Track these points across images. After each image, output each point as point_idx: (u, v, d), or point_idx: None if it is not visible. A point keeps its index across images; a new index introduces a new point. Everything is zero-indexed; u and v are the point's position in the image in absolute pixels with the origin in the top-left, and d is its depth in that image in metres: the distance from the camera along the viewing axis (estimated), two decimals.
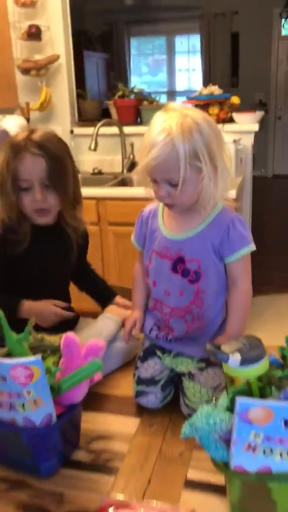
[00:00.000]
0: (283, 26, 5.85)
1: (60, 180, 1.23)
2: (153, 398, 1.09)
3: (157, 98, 3.40)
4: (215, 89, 3.06)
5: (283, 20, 6.00)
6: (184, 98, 6.72)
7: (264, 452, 0.72)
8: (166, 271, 1.09)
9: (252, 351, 0.74)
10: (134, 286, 1.23)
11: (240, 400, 0.68)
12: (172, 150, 0.94)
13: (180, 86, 7.70)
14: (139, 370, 1.14)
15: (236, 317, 1.06)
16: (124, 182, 3.08)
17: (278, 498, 0.76)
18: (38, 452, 0.89)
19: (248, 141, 3.03)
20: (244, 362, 0.73)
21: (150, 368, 1.12)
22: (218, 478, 0.89)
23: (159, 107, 3.22)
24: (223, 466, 0.76)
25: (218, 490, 0.87)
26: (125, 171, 3.19)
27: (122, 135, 3.12)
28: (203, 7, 6.84)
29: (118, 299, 1.45)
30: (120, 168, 3.21)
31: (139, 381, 1.12)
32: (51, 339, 0.96)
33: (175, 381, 1.13)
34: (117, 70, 7.45)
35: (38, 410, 0.84)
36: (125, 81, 7.33)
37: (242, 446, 0.72)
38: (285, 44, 6.94)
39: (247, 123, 3.00)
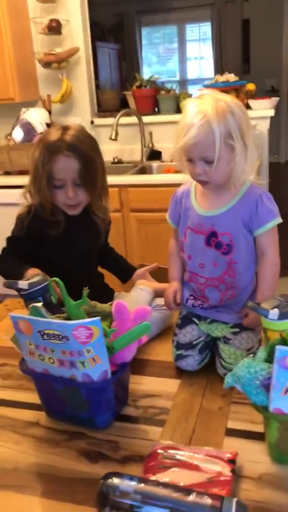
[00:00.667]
0: None
1: (90, 179, 1.37)
2: (192, 360, 1.20)
3: (173, 87, 3.48)
4: (231, 77, 3.13)
5: None
6: (197, 86, 6.75)
7: None
8: (201, 245, 1.19)
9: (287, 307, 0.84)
10: (170, 260, 1.33)
11: (280, 348, 0.79)
12: (208, 130, 1.04)
13: (191, 74, 7.74)
14: (178, 336, 1.24)
15: (266, 286, 1.16)
16: (144, 170, 3.18)
17: None
18: (94, 406, 1.00)
19: (264, 127, 3.10)
20: (281, 316, 0.83)
21: (188, 333, 1.23)
22: (256, 427, 1.00)
23: (176, 96, 3.31)
24: (263, 409, 0.86)
25: (256, 436, 0.98)
26: (144, 159, 3.29)
27: (141, 124, 3.21)
28: None
29: (138, 270, 1.59)
30: (139, 156, 3.30)
31: (178, 345, 1.22)
32: (103, 306, 1.07)
33: (211, 346, 1.23)
34: (129, 61, 7.51)
35: (96, 367, 0.95)
36: (138, 71, 7.40)
37: (281, 390, 0.83)
38: None
39: (262, 109, 3.07)
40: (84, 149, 1.34)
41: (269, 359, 0.88)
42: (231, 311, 1.20)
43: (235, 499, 0.77)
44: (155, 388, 1.17)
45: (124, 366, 1.02)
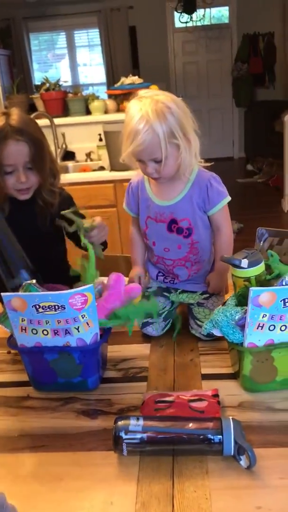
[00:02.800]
0: (179, 20, 6.26)
1: (40, 161, 1.42)
2: (157, 326, 1.33)
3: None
4: (136, 79, 3.33)
5: (177, 14, 6.39)
6: (89, 91, 6.89)
7: (269, 328, 1.00)
8: (163, 232, 1.33)
9: (254, 257, 1.02)
10: (132, 246, 1.47)
11: (253, 289, 0.96)
12: (153, 135, 1.15)
13: (83, 79, 7.88)
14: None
15: (225, 252, 1.31)
16: None
17: (278, 364, 1.05)
18: (87, 367, 1.10)
19: None
20: (250, 264, 1.01)
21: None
22: (226, 370, 1.17)
23: (85, 98, 3.43)
24: (239, 345, 1.03)
25: (228, 377, 1.14)
26: (59, 160, 3.36)
27: (53, 126, 3.29)
28: (99, 2, 7.06)
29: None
30: None
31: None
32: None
33: (173, 314, 1.38)
34: (19, 66, 7.46)
35: (89, 330, 1.06)
36: (29, 77, 7.37)
37: (254, 326, 1.00)
38: (179, 37, 7.39)
39: None
40: (32, 131, 1.38)
41: (239, 304, 1.06)
42: (198, 282, 1.38)
43: (230, 417, 0.92)
44: (130, 353, 1.29)
45: (108, 330, 1.14)
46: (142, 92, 1.22)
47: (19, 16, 7.27)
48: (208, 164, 1.42)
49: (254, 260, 1.01)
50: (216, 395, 1.05)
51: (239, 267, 1.02)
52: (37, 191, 1.49)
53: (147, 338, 1.36)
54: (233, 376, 1.14)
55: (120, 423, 0.93)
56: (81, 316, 1.03)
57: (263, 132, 6.67)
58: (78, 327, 1.04)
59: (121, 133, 1.22)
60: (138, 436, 0.92)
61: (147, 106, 1.15)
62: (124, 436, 0.92)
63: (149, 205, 1.34)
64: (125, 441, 0.92)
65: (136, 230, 1.44)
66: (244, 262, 1.00)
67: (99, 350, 1.11)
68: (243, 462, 0.88)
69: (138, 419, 0.95)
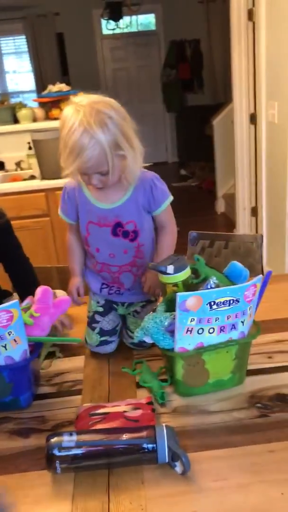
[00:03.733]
0: (106, 27, 6.27)
1: None
2: (114, 344, 1.31)
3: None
4: (63, 86, 3.30)
5: (104, 21, 6.41)
6: (17, 99, 6.76)
7: (197, 332, 1.02)
8: (107, 236, 1.24)
9: (179, 262, 1.03)
10: (69, 254, 1.37)
11: (179, 294, 0.96)
12: (100, 150, 1.07)
13: (13, 87, 7.72)
14: (102, 323, 1.31)
15: (166, 253, 1.24)
16: None
17: (209, 367, 1.07)
18: (18, 385, 1.07)
19: None
20: (176, 269, 1.02)
21: (111, 321, 1.32)
22: (160, 376, 1.17)
23: (12, 106, 3.36)
24: (170, 351, 1.04)
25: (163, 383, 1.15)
26: None
27: None
28: (24, 8, 6.94)
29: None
30: None
31: (103, 332, 1.30)
32: None
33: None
34: None
35: (17, 348, 1.03)
36: None
37: (183, 331, 1.01)
38: (107, 43, 7.40)
39: None
40: None
41: (168, 309, 1.06)
42: (141, 291, 1.30)
43: (164, 424, 0.92)
44: (63, 367, 1.27)
45: (38, 345, 1.11)
46: (77, 99, 1.11)
47: None
48: (147, 164, 1.37)
49: (179, 265, 1.02)
50: (150, 403, 1.05)
51: (165, 273, 1.02)
52: None
53: (80, 349, 1.33)
54: (166, 381, 1.14)
55: (52, 440, 0.91)
56: (8, 333, 1.00)
57: (194, 136, 6.80)
58: (6, 344, 1.01)
59: (60, 145, 1.12)
60: (72, 452, 0.90)
61: (88, 117, 1.06)
62: (57, 454, 0.90)
63: (90, 209, 1.24)
64: (59, 458, 0.89)
65: (74, 237, 1.35)
66: (170, 268, 1.01)
67: (29, 367, 1.08)
68: (178, 468, 0.89)
69: (71, 434, 0.93)
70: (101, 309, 1.34)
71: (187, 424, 1.01)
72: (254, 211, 3.74)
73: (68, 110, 1.10)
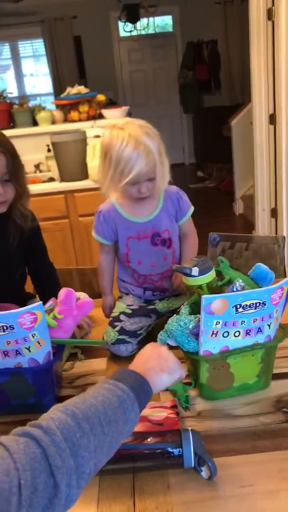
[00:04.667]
0: (123, 29, 6.29)
1: (17, 173, 1.38)
2: (130, 347, 1.29)
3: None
4: (81, 89, 3.31)
5: (121, 23, 6.43)
6: (36, 102, 6.82)
7: (223, 335, 1.00)
8: (147, 247, 1.36)
9: (204, 264, 1.01)
10: (101, 274, 1.46)
11: (205, 297, 0.95)
12: (152, 156, 1.21)
13: (30, 89, 7.78)
14: (124, 323, 1.33)
15: (192, 256, 1.29)
16: None
17: (234, 370, 1.05)
18: (41, 387, 1.06)
19: None
20: (201, 272, 1.00)
21: (136, 324, 1.33)
22: (185, 379, 1.15)
23: (31, 108, 3.38)
24: (194, 354, 1.02)
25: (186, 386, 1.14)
26: None
27: None
28: (42, 12, 7.00)
29: None
30: None
31: (122, 331, 1.30)
32: None
33: (145, 338, 1.34)
34: None
35: (41, 350, 1.02)
36: None
37: (208, 334, 0.99)
38: (124, 45, 7.42)
39: (115, 118, 3.30)
40: (7, 142, 1.34)
41: (193, 312, 1.05)
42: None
43: (189, 429, 0.91)
44: (86, 369, 1.26)
45: (61, 347, 1.10)
46: (118, 122, 1.26)
47: None
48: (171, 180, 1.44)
49: (204, 267, 1.01)
50: (174, 406, 1.04)
51: (190, 275, 1.01)
52: (11, 208, 1.44)
53: (103, 352, 1.33)
54: (190, 385, 1.13)
55: None
56: (32, 335, 1.00)
57: (212, 138, 6.77)
58: (29, 346, 1.01)
59: (105, 166, 1.24)
60: None
61: (135, 131, 1.21)
62: None
63: (129, 225, 1.36)
64: None
65: (106, 257, 1.44)
66: (195, 270, 1.00)
67: (52, 369, 1.07)
68: (204, 473, 0.87)
69: None
70: (129, 311, 1.38)
71: (212, 428, 1.00)
72: (274, 213, 3.70)
73: (110, 133, 1.24)
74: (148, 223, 1.35)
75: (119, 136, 1.21)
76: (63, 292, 1.11)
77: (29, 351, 1.01)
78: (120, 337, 1.30)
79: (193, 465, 0.88)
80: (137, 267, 1.38)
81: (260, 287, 1.09)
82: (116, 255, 1.44)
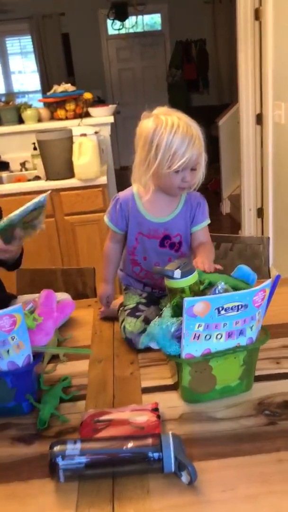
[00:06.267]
0: (112, 27, 6.26)
1: None
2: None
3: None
4: (68, 87, 3.28)
5: (109, 21, 6.41)
6: (23, 99, 6.78)
7: (205, 338, 0.99)
8: (155, 247, 1.34)
9: (186, 267, 1.01)
10: (106, 262, 1.42)
11: (187, 299, 0.94)
12: (201, 142, 1.20)
13: (18, 86, 7.72)
14: (146, 312, 1.31)
15: (210, 255, 1.30)
16: None
17: (216, 373, 1.04)
18: (21, 391, 1.05)
19: (106, 133, 3.32)
20: (183, 274, 0.99)
21: (154, 312, 1.31)
22: (165, 381, 1.15)
23: (17, 106, 3.34)
24: (176, 357, 1.01)
25: (168, 388, 1.13)
26: None
27: None
28: (30, 9, 6.93)
29: None
30: None
31: (148, 321, 1.26)
32: None
33: None
34: None
35: (20, 353, 1.01)
36: None
37: (190, 337, 0.98)
38: (113, 44, 7.39)
39: (102, 116, 3.28)
40: None
41: (175, 314, 1.04)
42: None
43: (170, 432, 0.90)
44: (68, 371, 1.24)
45: (40, 355, 1.09)
46: (158, 111, 1.23)
47: None
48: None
49: (186, 270, 1.00)
50: (156, 409, 1.03)
51: (172, 277, 1.00)
52: None
53: (85, 355, 1.31)
54: (173, 387, 1.12)
55: (56, 448, 0.89)
56: (11, 338, 0.98)
57: None
58: (8, 350, 0.99)
59: (152, 152, 1.19)
60: (76, 460, 0.88)
61: (183, 117, 1.19)
62: (61, 462, 0.88)
63: (141, 221, 1.33)
64: (62, 467, 0.87)
65: (115, 246, 1.41)
66: (177, 273, 0.99)
67: (32, 372, 1.06)
68: (184, 478, 0.86)
69: (75, 442, 0.91)
70: (144, 300, 1.36)
71: (194, 432, 0.99)
72: (260, 212, 3.72)
73: (155, 119, 1.19)
74: (160, 225, 1.32)
75: (168, 120, 1.17)
76: (43, 294, 1.10)
77: (8, 354, 0.99)
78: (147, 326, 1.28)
79: (173, 470, 0.87)
80: (142, 262, 1.37)
81: (246, 283, 1.09)
82: (124, 246, 1.41)
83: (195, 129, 1.19)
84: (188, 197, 1.34)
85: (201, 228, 1.36)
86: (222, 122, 4.99)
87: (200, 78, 7.51)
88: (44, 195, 1.28)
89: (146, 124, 1.21)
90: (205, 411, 1.05)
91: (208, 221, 1.37)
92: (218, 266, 1.20)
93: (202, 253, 1.30)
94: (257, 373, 1.12)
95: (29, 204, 1.25)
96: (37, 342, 1.08)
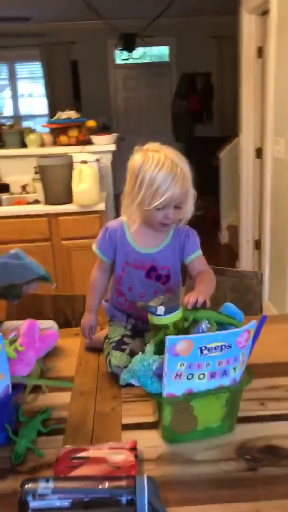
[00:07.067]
0: (120, 57, 6.38)
1: None
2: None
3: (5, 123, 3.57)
4: (72, 113, 3.33)
5: (117, 51, 6.55)
6: (29, 123, 6.86)
7: (187, 377, 0.98)
8: (141, 278, 1.33)
9: (171, 303, 1.00)
10: (91, 291, 1.41)
11: (169, 338, 0.93)
12: (186, 181, 1.21)
13: (27, 110, 7.84)
14: (131, 345, 1.30)
15: (209, 284, 1.28)
16: None
17: (198, 413, 1.02)
18: None
19: (107, 160, 3.35)
20: (167, 311, 0.98)
21: (139, 346, 1.29)
22: (147, 418, 1.13)
23: (21, 130, 3.39)
24: (157, 396, 1.00)
25: (148, 426, 1.10)
26: None
27: None
28: (42, 35, 7.10)
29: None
30: None
31: (133, 354, 1.21)
32: None
33: None
34: None
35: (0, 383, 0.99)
36: None
37: (171, 375, 0.97)
38: (120, 72, 7.54)
39: (104, 144, 3.32)
40: None
41: (158, 351, 1.03)
42: None
43: (145, 475, 0.88)
44: (49, 402, 1.22)
45: (19, 387, 1.07)
46: (144, 147, 1.25)
47: None
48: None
49: (170, 306, 0.99)
50: (134, 448, 1.00)
51: (155, 314, 0.99)
52: None
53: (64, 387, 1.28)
54: (154, 425, 1.10)
55: (27, 486, 0.86)
56: None
57: (201, 167, 6.82)
58: None
59: (136, 187, 1.21)
60: (47, 500, 0.85)
61: (172, 154, 1.21)
62: (31, 502, 0.85)
63: (128, 251, 1.33)
64: (32, 507, 0.85)
65: (101, 275, 1.40)
66: (160, 309, 0.98)
67: (10, 404, 1.04)
68: None
69: (48, 480, 0.88)
70: (129, 333, 1.35)
71: (171, 474, 0.96)
72: (258, 244, 3.72)
73: (143, 155, 1.22)
74: (147, 256, 1.32)
75: (155, 157, 1.19)
76: (26, 324, 1.09)
77: None
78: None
79: None
80: (127, 292, 1.36)
81: (231, 317, 1.08)
82: (111, 275, 1.40)
83: (181, 167, 1.19)
84: (176, 230, 1.34)
85: (195, 258, 1.34)
86: (223, 154, 5.04)
87: (204, 109, 7.62)
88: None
89: (135, 158, 1.23)
90: (185, 452, 1.02)
91: (200, 252, 1.36)
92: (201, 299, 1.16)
93: (198, 284, 1.27)
94: (241, 414, 1.09)
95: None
96: (17, 373, 1.06)
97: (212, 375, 0.99)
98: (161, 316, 0.99)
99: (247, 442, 1.04)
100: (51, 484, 0.87)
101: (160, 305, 0.98)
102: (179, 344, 0.93)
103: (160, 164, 1.18)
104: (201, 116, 7.63)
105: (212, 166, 6.26)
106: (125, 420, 1.14)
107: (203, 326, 1.00)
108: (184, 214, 1.27)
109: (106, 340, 1.35)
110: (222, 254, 4.92)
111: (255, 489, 0.91)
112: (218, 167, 5.13)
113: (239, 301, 1.71)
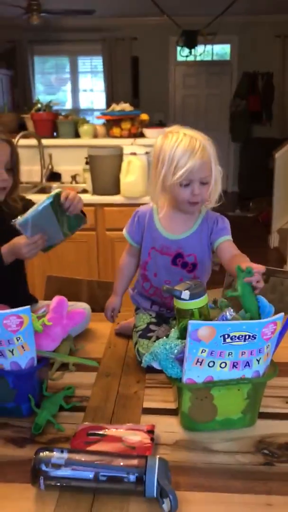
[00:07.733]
0: (180, 53, 6.37)
1: (17, 166, 1.46)
2: None
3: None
4: (126, 106, 3.35)
5: (178, 48, 6.53)
6: (88, 116, 6.98)
7: (208, 364, 0.96)
8: (167, 264, 1.32)
9: (197, 289, 0.99)
10: (119, 274, 1.43)
11: (192, 322, 0.92)
12: (208, 153, 1.19)
13: (86, 104, 7.98)
14: (157, 332, 1.30)
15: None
16: (43, 191, 3.25)
17: (218, 403, 1.01)
18: (21, 393, 1.05)
19: None
20: (192, 296, 0.98)
21: (166, 330, 1.28)
22: (168, 405, 1.13)
23: (75, 121, 3.45)
24: (177, 381, 0.99)
25: (169, 412, 1.10)
26: (44, 180, 3.37)
27: (40, 146, 3.29)
28: (104, 31, 7.20)
29: None
30: (38, 177, 3.37)
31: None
32: None
33: None
34: (21, 87, 7.56)
35: (24, 354, 1.02)
36: (30, 98, 7.46)
37: (192, 361, 0.96)
38: (180, 70, 7.52)
39: (156, 137, 3.32)
40: (6, 132, 1.43)
41: (181, 337, 1.02)
42: None
43: (157, 456, 0.88)
44: (74, 380, 1.24)
45: (45, 360, 1.09)
46: (169, 129, 1.26)
47: (25, 39, 7.40)
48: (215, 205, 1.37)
49: (196, 292, 0.98)
50: (151, 431, 1.00)
51: (180, 298, 0.98)
52: (7, 196, 1.48)
53: (93, 367, 1.30)
54: (174, 412, 1.10)
55: (41, 454, 0.89)
56: (16, 338, 0.99)
57: (257, 168, 6.72)
58: (13, 350, 1.00)
59: (159, 167, 1.21)
60: (60, 470, 0.87)
61: (192, 132, 1.21)
62: (44, 469, 0.87)
63: (156, 236, 1.33)
64: (44, 474, 0.87)
65: (130, 259, 1.42)
66: (185, 294, 0.97)
67: (35, 376, 1.06)
68: (165, 506, 0.83)
69: (62, 451, 0.90)
70: (155, 320, 1.35)
71: (186, 460, 0.96)
72: None
73: (163, 137, 1.23)
74: (174, 242, 1.31)
75: (173, 136, 1.20)
76: (55, 299, 1.11)
77: (12, 354, 1.01)
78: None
79: (155, 496, 0.84)
80: (153, 278, 1.36)
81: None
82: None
83: (201, 141, 1.18)
84: (205, 217, 1.33)
85: (224, 241, 1.29)
86: (279, 155, 4.92)
87: (264, 110, 7.48)
88: (51, 194, 1.30)
89: (156, 142, 1.25)
90: (202, 440, 1.01)
91: (229, 237, 1.31)
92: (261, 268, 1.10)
93: (244, 263, 1.13)
94: (263, 409, 1.07)
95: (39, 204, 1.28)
96: (44, 347, 1.08)
97: (234, 365, 0.97)
98: (186, 301, 0.98)
99: (267, 437, 1.01)
100: (65, 455, 0.89)
101: (186, 289, 0.98)
102: (202, 329, 0.92)
103: (178, 141, 1.18)
104: (260, 117, 7.49)
105: (268, 169, 6.14)
106: (146, 405, 1.14)
107: (228, 314, 0.98)
108: (212, 191, 1.24)
109: (134, 329, 1.36)
110: (269, 258, 4.81)
111: (269, 483, 0.89)
112: (273, 169, 5.01)
113: (278, 302, 1.68)
